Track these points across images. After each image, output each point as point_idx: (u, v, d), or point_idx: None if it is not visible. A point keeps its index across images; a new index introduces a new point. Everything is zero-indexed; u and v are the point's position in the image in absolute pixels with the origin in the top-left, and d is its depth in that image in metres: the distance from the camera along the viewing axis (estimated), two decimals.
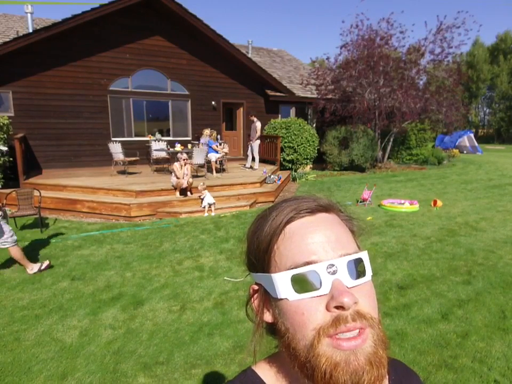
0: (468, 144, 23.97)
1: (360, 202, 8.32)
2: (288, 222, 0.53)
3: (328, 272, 0.48)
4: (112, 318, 3.51)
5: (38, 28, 9.84)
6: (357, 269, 0.50)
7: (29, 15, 10.40)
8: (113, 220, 7.03)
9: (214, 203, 7.36)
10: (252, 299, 0.58)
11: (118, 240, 5.81)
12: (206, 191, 7.43)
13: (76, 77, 10.06)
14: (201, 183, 7.60)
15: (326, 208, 0.56)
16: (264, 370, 0.59)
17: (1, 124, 7.93)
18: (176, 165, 7.63)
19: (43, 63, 9.61)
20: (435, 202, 8.05)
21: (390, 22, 13.10)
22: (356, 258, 0.51)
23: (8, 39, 9.41)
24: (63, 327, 3.34)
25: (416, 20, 16.78)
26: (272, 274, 0.52)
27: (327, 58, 14.34)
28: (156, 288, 4.14)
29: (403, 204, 7.89)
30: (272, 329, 0.56)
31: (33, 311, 3.62)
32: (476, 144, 24.46)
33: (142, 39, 10.79)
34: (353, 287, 0.49)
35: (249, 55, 14.17)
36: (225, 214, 7.38)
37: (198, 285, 4.23)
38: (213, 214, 7.31)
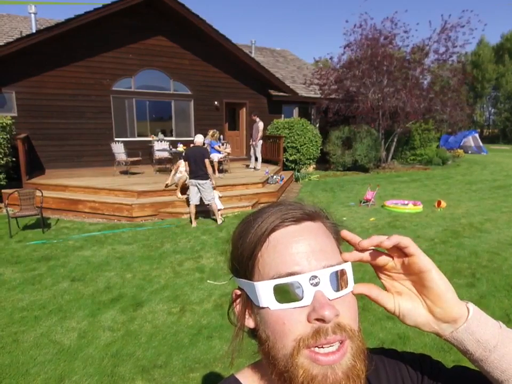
0: (472, 144, 23.77)
1: (363, 202, 8.26)
2: (272, 230, 0.52)
3: (311, 284, 0.48)
4: (111, 319, 3.49)
5: (41, 28, 9.86)
6: (340, 280, 0.50)
7: (32, 15, 10.47)
8: (115, 220, 7.02)
9: (222, 208, 7.12)
10: (234, 303, 0.58)
11: (119, 241, 5.80)
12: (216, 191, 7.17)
13: (78, 77, 10.08)
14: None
15: (312, 217, 0.55)
16: (247, 378, 0.59)
17: (5, 124, 7.94)
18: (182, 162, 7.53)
19: (46, 64, 9.64)
20: (439, 203, 7.97)
21: (394, 22, 13.03)
22: (339, 270, 0.50)
23: (11, 40, 9.43)
24: (62, 329, 3.32)
25: (421, 19, 16.83)
26: (254, 283, 0.51)
27: (331, 58, 14.31)
28: (155, 290, 4.11)
29: (406, 204, 7.82)
30: (254, 334, 0.56)
31: (32, 313, 3.61)
32: (481, 144, 24.25)
33: (145, 39, 10.79)
34: (335, 298, 0.49)
35: (252, 55, 14.13)
36: (227, 214, 7.35)
37: (198, 287, 4.20)
38: (219, 222, 6.70)
